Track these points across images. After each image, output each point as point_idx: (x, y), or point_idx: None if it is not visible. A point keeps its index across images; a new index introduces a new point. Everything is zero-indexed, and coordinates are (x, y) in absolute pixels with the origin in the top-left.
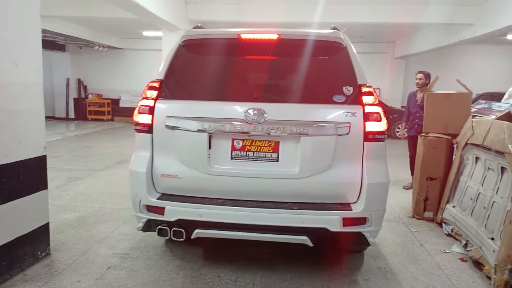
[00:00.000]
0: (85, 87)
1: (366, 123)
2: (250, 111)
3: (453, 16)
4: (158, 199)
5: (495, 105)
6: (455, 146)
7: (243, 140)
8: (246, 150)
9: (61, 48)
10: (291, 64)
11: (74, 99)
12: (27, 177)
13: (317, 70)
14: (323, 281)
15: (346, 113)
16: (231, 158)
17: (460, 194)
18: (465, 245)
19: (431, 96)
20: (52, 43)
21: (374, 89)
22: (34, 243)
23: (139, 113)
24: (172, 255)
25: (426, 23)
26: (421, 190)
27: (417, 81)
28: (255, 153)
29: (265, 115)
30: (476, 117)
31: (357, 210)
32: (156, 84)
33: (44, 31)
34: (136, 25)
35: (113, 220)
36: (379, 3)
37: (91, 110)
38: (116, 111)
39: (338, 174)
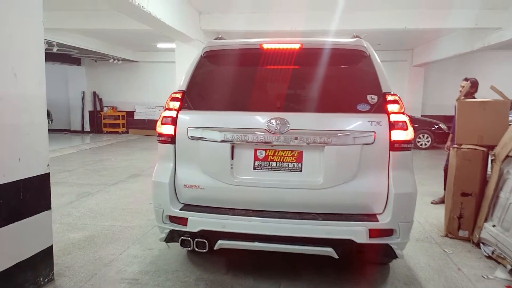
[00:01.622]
0: (100, 100)
1: (392, 132)
2: (273, 121)
3: (479, 20)
4: (181, 209)
5: None
6: (492, 158)
7: (265, 150)
8: (269, 160)
9: (76, 61)
10: (314, 73)
11: (90, 112)
12: (28, 197)
13: (340, 79)
14: None
15: (371, 122)
16: (254, 169)
17: (501, 212)
18: (511, 270)
19: (464, 104)
20: (67, 57)
21: (399, 97)
22: (36, 269)
23: (162, 124)
24: (184, 281)
25: (449, 28)
26: (455, 206)
27: (460, 89)
28: (278, 163)
29: (288, 125)
30: None
31: (384, 221)
32: (178, 95)
33: (59, 44)
34: (150, 37)
35: (123, 240)
36: (399, 8)
37: (106, 122)
38: (130, 124)
39: (363, 184)
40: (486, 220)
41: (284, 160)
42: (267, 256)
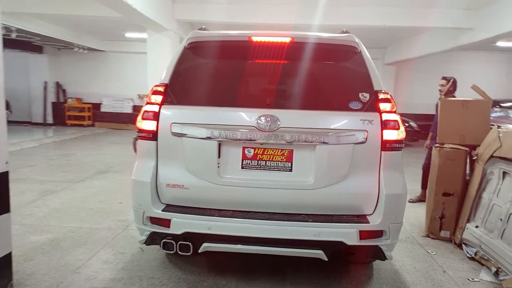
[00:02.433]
0: (64, 91)
1: (384, 131)
2: (263, 118)
3: (455, 20)
4: (163, 210)
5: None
6: (474, 158)
7: (254, 148)
8: (257, 159)
9: (38, 49)
10: (304, 69)
11: (52, 103)
12: None
13: (331, 75)
14: None
15: (363, 121)
16: (242, 168)
17: (484, 213)
18: (496, 273)
19: (446, 103)
20: (28, 44)
21: (391, 96)
22: None
23: (143, 119)
24: None
25: (427, 27)
26: (437, 206)
27: (439, 87)
28: (267, 162)
29: (279, 122)
30: (498, 127)
31: (374, 222)
32: (161, 89)
33: (18, 30)
34: (119, 25)
35: (92, 243)
36: (381, 5)
37: (71, 115)
38: (97, 116)
39: (354, 185)
40: (468, 220)
41: (274, 159)
42: (250, 256)
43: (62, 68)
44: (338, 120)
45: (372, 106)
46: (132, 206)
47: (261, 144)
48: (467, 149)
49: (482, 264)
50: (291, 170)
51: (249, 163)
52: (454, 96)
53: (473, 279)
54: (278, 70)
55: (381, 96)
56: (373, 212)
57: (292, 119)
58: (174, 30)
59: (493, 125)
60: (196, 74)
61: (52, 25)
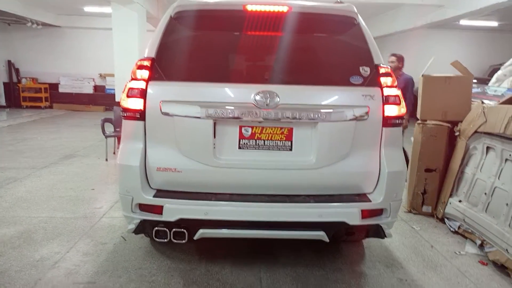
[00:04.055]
0: (17, 70)
1: (385, 106)
2: (261, 94)
3: None
4: (154, 196)
5: (490, 89)
6: (456, 134)
7: (252, 127)
8: (255, 138)
9: None
10: (302, 41)
11: (4, 83)
12: None
13: (330, 48)
14: None
15: (364, 96)
16: (239, 148)
17: (467, 187)
18: (481, 245)
19: (429, 79)
20: None
21: (391, 70)
22: None
23: (128, 96)
24: (151, 280)
25: (395, 3)
26: (419, 182)
27: (389, 64)
28: (266, 141)
29: (278, 99)
30: (482, 102)
31: (376, 201)
32: (147, 63)
33: None
34: None
35: (67, 234)
36: None
37: (26, 96)
38: (55, 97)
39: (356, 163)
40: (451, 195)
41: (273, 138)
42: (241, 240)
43: (13, 46)
44: (340, 96)
45: (373, 80)
46: (118, 192)
47: (259, 122)
48: (449, 125)
49: (466, 237)
50: (291, 150)
51: (246, 143)
52: (403, 73)
53: (459, 252)
54: (276, 42)
55: (382, 70)
56: (373, 190)
57: (292, 95)
58: (141, 3)
59: (474, 101)
60: (186, 47)
61: None
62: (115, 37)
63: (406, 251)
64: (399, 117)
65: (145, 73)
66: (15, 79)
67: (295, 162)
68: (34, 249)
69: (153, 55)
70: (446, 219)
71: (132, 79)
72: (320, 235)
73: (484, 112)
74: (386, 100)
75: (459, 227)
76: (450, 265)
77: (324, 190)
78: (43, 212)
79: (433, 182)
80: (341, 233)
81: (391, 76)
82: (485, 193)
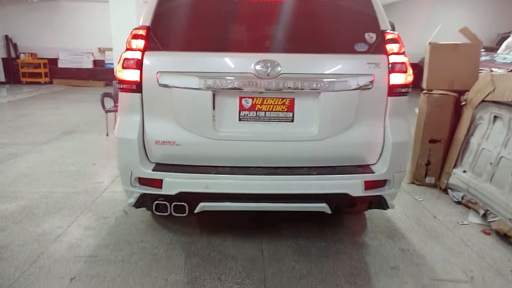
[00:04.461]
0: (15, 45)
1: (391, 75)
2: (262, 64)
3: None
4: (153, 170)
5: (499, 57)
6: (463, 104)
7: (252, 98)
8: (256, 109)
9: None
10: (304, 7)
11: (3, 59)
12: None
13: (334, 14)
14: (347, 275)
15: (369, 64)
16: (239, 120)
17: (472, 157)
18: (484, 215)
19: (436, 47)
20: None
21: (399, 35)
22: None
23: (124, 67)
24: (154, 253)
25: None
26: (423, 153)
27: None
28: (266, 113)
29: (279, 68)
30: (491, 70)
31: (380, 172)
32: (142, 32)
33: None
34: None
35: (69, 209)
36: None
37: (25, 72)
38: (54, 73)
39: (360, 134)
40: (455, 166)
41: (274, 109)
42: (242, 212)
43: (10, 20)
44: (343, 64)
45: (378, 47)
46: (117, 167)
47: (260, 93)
48: (456, 94)
49: (469, 208)
50: (292, 121)
51: (247, 115)
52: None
53: (462, 222)
54: (277, 8)
55: (388, 36)
56: (376, 162)
57: (294, 64)
58: None
59: (482, 69)
60: (183, 15)
61: None
62: (112, 10)
63: (408, 221)
64: (406, 86)
65: (140, 43)
66: (13, 55)
67: (297, 133)
68: (36, 224)
69: (148, 23)
70: (449, 190)
71: (127, 49)
72: (323, 207)
73: (492, 80)
74: (392, 68)
75: (462, 198)
76: (453, 235)
77: (326, 162)
78: (44, 187)
79: (437, 153)
80: (343, 205)
81: (398, 42)
82: (490, 163)
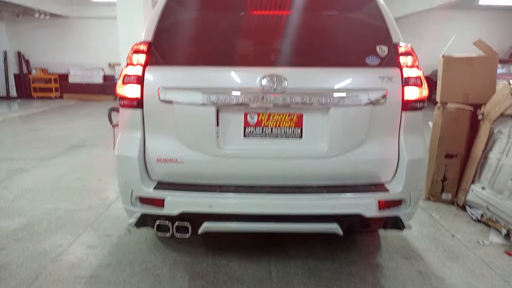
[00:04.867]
0: (27, 62)
1: (405, 88)
2: (268, 78)
3: None
4: (155, 189)
5: None
6: (480, 118)
7: (258, 114)
8: (262, 125)
9: None
10: (313, 19)
11: (15, 75)
12: None
13: (344, 26)
14: None
15: (382, 78)
16: (245, 136)
17: (491, 173)
18: (507, 235)
19: (450, 60)
20: None
21: (412, 48)
22: None
23: (124, 83)
24: (156, 274)
25: None
26: (439, 169)
27: None
28: (273, 128)
29: (286, 83)
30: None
31: (395, 191)
32: (143, 47)
33: None
34: None
35: (72, 226)
36: None
37: (36, 87)
38: (65, 88)
39: (372, 151)
40: (473, 182)
41: (281, 125)
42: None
43: (23, 37)
44: (354, 78)
45: (391, 60)
46: (117, 185)
47: (266, 108)
48: (471, 108)
49: (490, 226)
50: (301, 137)
51: (252, 131)
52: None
53: (483, 242)
54: (284, 21)
55: (401, 49)
56: (391, 180)
57: (302, 78)
58: None
59: (499, 82)
60: (185, 29)
61: None
62: (120, 25)
63: (425, 241)
64: (421, 100)
65: (141, 58)
66: (25, 70)
67: (305, 150)
68: (37, 242)
69: (150, 38)
70: (467, 207)
71: (128, 64)
72: (334, 228)
73: (511, 94)
74: (406, 82)
75: (482, 216)
76: (473, 256)
77: (337, 180)
78: (48, 203)
79: (454, 168)
80: (356, 226)
81: (411, 54)
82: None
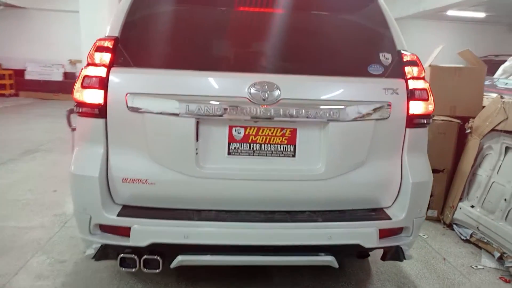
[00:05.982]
0: None
1: (411, 102)
2: (258, 86)
3: None
4: (119, 215)
5: (500, 82)
6: (468, 132)
7: (245, 128)
8: (249, 141)
9: None
10: (310, 21)
11: None
12: None
13: (343, 30)
14: None
15: (386, 90)
16: (229, 154)
17: (481, 191)
18: (500, 258)
19: (437, 70)
20: None
21: (418, 57)
22: None
23: (83, 87)
24: None
25: None
26: None
27: None
28: (262, 145)
29: (279, 92)
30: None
31: (397, 218)
32: (108, 44)
33: None
34: None
35: (19, 249)
36: None
37: None
38: (21, 85)
39: (374, 172)
40: (461, 199)
41: (271, 142)
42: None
43: None
44: (356, 89)
45: (395, 70)
46: (73, 210)
47: (255, 121)
48: (459, 121)
49: (480, 248)
50: (294, 156)
51: (238, 148)
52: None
53: (476, 266)
54: (276, 21)
55: (406, 58)
56: (392, 204)
57: (297, 87)
58: None
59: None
60: (160, 24)
61: None
62: (83, 20)
63: (417, 265)
64: (427, 116)
65: (106, 57)
66: None
67: (299, 171)
68: None
69: (117, 33)
70: (455, 226)
71: (89, 64)
72: (329, 260)
73: (504, 108)
74: (411, 95)
75: (471, 235)
76: (469, 283)
77: (333, 206)
78: None
79: (440, 184)
80: (352, 257)
81: (417, 65)
82: (505, 199)
